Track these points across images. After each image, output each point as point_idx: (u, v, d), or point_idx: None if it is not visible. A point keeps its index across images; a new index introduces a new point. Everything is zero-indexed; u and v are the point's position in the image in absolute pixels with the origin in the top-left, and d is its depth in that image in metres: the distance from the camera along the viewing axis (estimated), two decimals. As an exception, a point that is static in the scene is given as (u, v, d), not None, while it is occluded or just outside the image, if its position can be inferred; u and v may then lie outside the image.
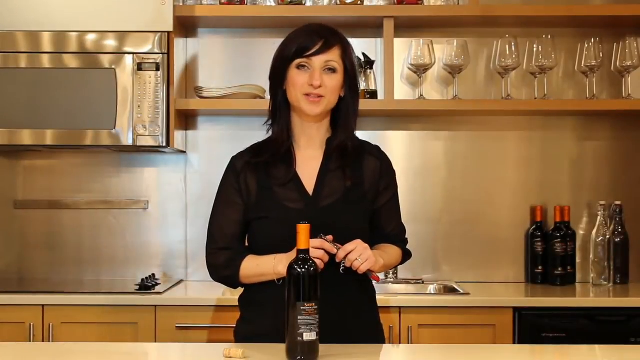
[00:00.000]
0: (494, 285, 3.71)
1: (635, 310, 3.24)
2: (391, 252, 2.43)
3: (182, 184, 3.81)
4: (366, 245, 2.23)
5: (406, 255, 2.50)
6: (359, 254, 2.20)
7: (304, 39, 2.32)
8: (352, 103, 2.38)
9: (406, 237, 2.51)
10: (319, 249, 2.19)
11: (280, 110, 2.38)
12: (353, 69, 2.37)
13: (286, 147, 2.36)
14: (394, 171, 2.47)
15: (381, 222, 2.42)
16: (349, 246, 2.21)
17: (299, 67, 2.31)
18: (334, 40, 2.33)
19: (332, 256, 2.23)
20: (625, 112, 3.68)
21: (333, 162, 2.36)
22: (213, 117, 3.80)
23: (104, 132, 3.43)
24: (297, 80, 2.31)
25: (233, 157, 2.43)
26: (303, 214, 2.24)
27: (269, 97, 3.65)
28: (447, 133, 3.82)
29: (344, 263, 2.22)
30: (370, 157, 2.42)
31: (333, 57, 2.32)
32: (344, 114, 2.38)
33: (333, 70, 2.32)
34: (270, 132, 2.40)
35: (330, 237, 2.22)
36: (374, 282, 2.43)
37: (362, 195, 2.37)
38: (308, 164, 2.37)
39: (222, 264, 2.36)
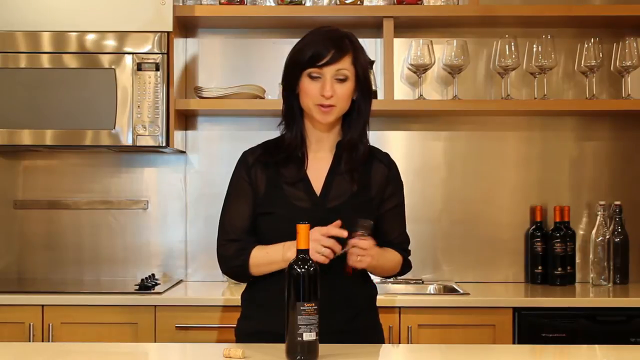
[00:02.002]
0: (494, 285, 3.72)
1: (635, 310, 3.24)
2: (390, 256, 2.43)
3: (182, 184, 3.81)
4: (375, 252, 2.26)
5: (406, 267, 2.50)
6: (362, 254, 2.23)
7: (316, 48, 2.32)
8: (363, 106, 2.39)
9: (409, 248, 2.51)
10: (329, 237, 2.21)
11: (294, 114, 2.39)
12: (365, 73, 2.38)
13: (299, 150, 2.38)
14: (401, 181, 2.48)
15: (384, 228, 2.43)
16: (364, 243, 2.23)
17: (311, 76, 2.32)
18: (346, 49, 2.33)
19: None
20: (625, 112, 3.68)
21: (342, 165, 2.38)
22: (213, 117, 3.80)
23: (104, 132, 3.43)
24: (310, 90, 2.32)
25: (245, 151, 2.45)
26: (309, 213, 2.27)
27: (268, 97, 3.65)
28: (447, 133, 3.82)
29: (346, 250, 2.23)
30: (380, 164, 2.44)
31: (344, 65, 2.32)
32: (355, 116, 2.39)
33: (344, 79, 2.32)
34: (284, 133, 2.41)
35: (339, 222, 2.24)
36: (375, 283, 2.47)
37: (368, 200, 2.38)
38: (317, 165, 2.39)
39: (232, 255, 2.37)
